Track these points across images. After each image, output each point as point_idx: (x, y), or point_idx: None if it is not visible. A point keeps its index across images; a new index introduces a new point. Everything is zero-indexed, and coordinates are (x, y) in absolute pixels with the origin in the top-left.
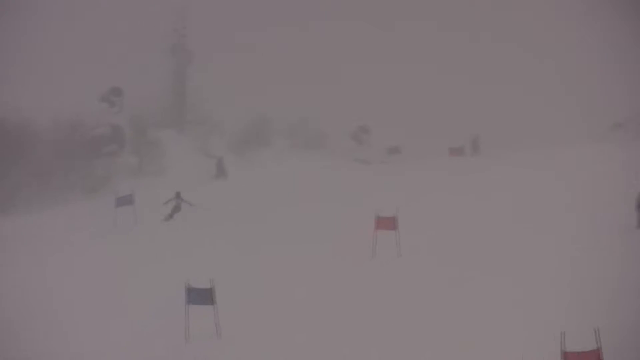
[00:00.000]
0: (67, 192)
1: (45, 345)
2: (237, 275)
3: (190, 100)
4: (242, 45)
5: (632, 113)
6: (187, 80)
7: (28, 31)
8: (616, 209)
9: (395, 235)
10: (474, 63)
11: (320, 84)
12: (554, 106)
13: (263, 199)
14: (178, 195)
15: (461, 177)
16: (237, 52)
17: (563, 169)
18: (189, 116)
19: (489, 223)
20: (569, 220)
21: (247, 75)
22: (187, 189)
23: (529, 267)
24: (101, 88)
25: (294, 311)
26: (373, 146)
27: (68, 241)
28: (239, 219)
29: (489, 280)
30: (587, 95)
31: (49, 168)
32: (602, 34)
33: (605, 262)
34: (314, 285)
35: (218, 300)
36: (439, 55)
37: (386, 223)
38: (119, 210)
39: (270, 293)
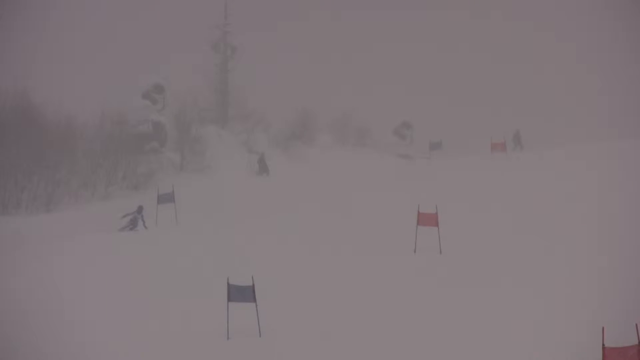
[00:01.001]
0: (111, 189)
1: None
2: (279, 272)
3: (233, 96)
4: (285, 41)
5: None
6: (230, 77)
7: (74, 32)
8: None
9: (436, 231)
10: (514, 57)
11: (364, 80)
12: (592, 103)
13: (305, 195)
14: (140, 209)
15: (503, 173)
16: (280, 48)
17: (605, 165)
18: (232, 112)
19: (530, 219)
20: (610, 214)
21: (291, 71)
22: (228, 186)
23: (570, 263)
24: (144, 85)
25: (335, 308)
26: (415, 141)
27: (110, 237)
28: (281, 215)
29: (529, 276)
30: (622, 93)
31: (93, 165)
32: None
33: None
34: (356, 282)
35: (259, 297)
36: (479, 49)
37: (428, 219)
38: (160, 207)
39: (312, 290)
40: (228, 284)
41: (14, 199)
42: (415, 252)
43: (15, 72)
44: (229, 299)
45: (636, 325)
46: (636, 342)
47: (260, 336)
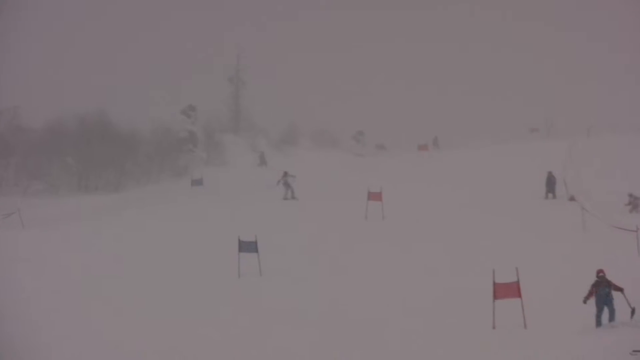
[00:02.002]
0: (161, 176)
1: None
2: (274, 231)
3: (243, 114)
4: (278, 77)
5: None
6: (240, 101)
7: (137, 67)
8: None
9: (381, 205)
10: (435, 84)
11: (332, 103)
12: (496, 113)
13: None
14: (285, 173)
15: (425, 165)
16: (275, 82)
17: (495, 160)
18: (241, 124)
19: (443, 193)
20: (497, 188)
21: (282, 97)
22: (239, 173)
23: (470, 223)
24: (182, 105)
25: (315, 254)
26: (366, 144)
27: (160, 206)
28: (274, 191)
29: (444, 233)
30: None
31: (149, 160)
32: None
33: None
34: (326, 238)
35: (260, 249)
36: (412, 74)
37: (375, 196)
38: (193, 189)
39: (297, 243)
40: (239, 239)
41: (93, 184)
42: (366, 218)
43: (97, 99)
44: (240, 250)
45: (516, 268)
46: (516, 279)
47: (260, 275)
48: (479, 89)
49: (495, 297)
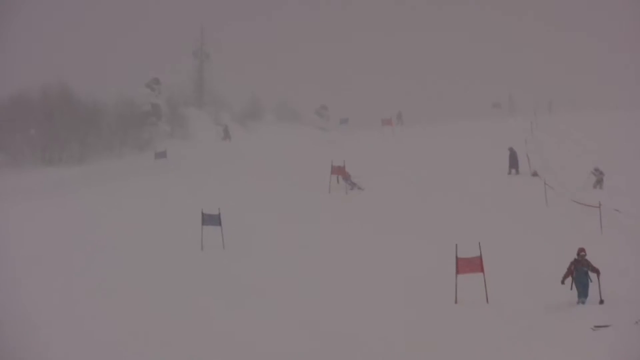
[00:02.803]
0: (124, 149)
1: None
2: (238, 205)
3: (206, 87)
4: (242, 51)
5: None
6: (204, 74)
7: (101, 43)
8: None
9: (342, 177)
10: (398, 59)
11: (295, 77)
12: (459, 90)
13: (254, 152)
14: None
15: (389, 138)
16: (239, 56)
17: (457, 134)
18: (205, 98)
19: (402, 163)
20: (460, 163)
21: (246, 71)
22: (203, 148)
23: (429, 202)
24: (146, 79)
25: (277, 228)
26: (330, 119)
27: (124, 181)
28: (238, 165)
29: (409, 203)
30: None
31: (112, 133)
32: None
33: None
34: (289, 209)
35: (223, 222)
36: (377, 49)
37: (338, 169)
38: (156, 162)
39: (260, 217)
40: (202, 212)
41: (56, 156)
42: (329, 192)
43: (59, 71)
44: (203, 223)
45: (478, 243)
46: (479, 254)
47: (223, 248)
48: (443, 65)
49: (457, 271)
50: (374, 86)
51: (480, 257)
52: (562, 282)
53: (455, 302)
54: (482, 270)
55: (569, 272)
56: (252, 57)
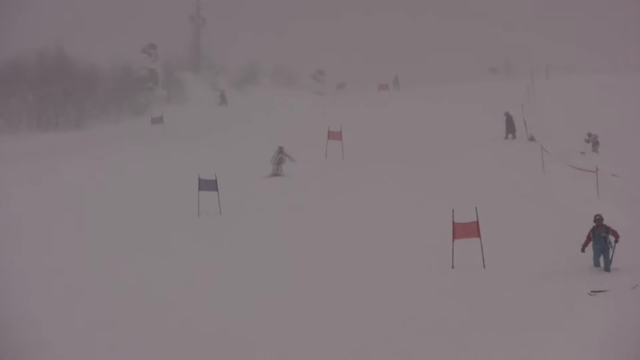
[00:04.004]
0: (120, 114)
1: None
2: (235, 169)
3: (203, 52)
4: (239, 16)
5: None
6: (201, 38)
7: (97, 8)
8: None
9: (340, 145)
10: (397, 25)
11: (292, 40)
12: (456, 55)
13: (250, 116)
14: (281, 150)
15: (386, 103)
16: (236, 20)
17: (453, 98)
18: (202, 63)
19: (397, 127)
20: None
21: (243, 34)
22: (200, 112)
23: (426, 168)
24: (143, 44)
25: (274, 193)
26: (327, 83)
27: (120, 146)
28: (235, 130)
29: (401, 167)
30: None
31: (108, 98)
32: None
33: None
34: (286, 174)
35: (220, 189)
36: (374, 13)
37: (334, 135)
38: (153, 127)
39: (257, 183)
40: (199, 178)
41: (52, 121)
42: (326, 157)
43: (56, 35)
44: (200, 189)
45: (475, 208)
46: (475, 220)
47: (220, 214)
48: (441, 30)
49: (454, 237)
50: (371, 51)
51: (477, 223)
52: (582, 250)
53: (452, 267)
54: (478, 235)
55: (588, 239)
56: (249, 22)
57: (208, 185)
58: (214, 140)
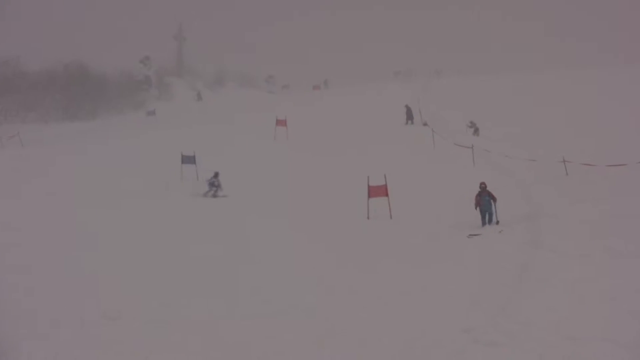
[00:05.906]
0: (122, 108)
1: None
2: (209, 148)
3: (185, 62)
4: (211, 35)
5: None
6: (183, 52)
7: (108, 32)
8: (397, 114)
9: (285, 130)
10: (330, 37)
11: (251, 53)
12: (370, 61)
13: (222, 110)
14: (216, 175)
15: (318, 99)
16: (208, 39)
17: (368, 95)
18: (184, 70)
19: (332, 123)
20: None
21: (214, 49)
22: (182, 107)
23: (347, 146)
24: (140, 56)
25: (237, 166)
26: (276, 84)
27: (122, 133)
28: (208, 120)
29: (331, 151)
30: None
31: (115, 96)
32: None
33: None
34: (244, 152)
35: (197, 162)
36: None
37: (281, 122)
38: (148, 118)
39: (223, 158)
40: (181, 153)
41: (74, 114)
42: (274, 139)
43: (77, 52)
44: (182, 162)
45: (384, 174)
46: (384, 183)
47: (197, 179)
48: (360, 40)
49: (369, 196)
50: (309, 59)
51: (386, 185)
52: (476, 208)
53: (368, 218)
54: (387, 194)
55: (477, 202)
56: (218, 39)
57: (188, 159)
58: (193, 126)
